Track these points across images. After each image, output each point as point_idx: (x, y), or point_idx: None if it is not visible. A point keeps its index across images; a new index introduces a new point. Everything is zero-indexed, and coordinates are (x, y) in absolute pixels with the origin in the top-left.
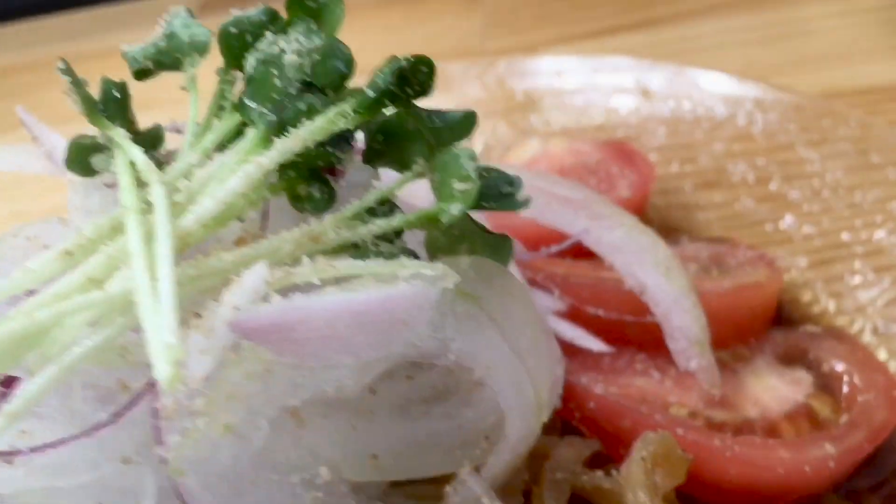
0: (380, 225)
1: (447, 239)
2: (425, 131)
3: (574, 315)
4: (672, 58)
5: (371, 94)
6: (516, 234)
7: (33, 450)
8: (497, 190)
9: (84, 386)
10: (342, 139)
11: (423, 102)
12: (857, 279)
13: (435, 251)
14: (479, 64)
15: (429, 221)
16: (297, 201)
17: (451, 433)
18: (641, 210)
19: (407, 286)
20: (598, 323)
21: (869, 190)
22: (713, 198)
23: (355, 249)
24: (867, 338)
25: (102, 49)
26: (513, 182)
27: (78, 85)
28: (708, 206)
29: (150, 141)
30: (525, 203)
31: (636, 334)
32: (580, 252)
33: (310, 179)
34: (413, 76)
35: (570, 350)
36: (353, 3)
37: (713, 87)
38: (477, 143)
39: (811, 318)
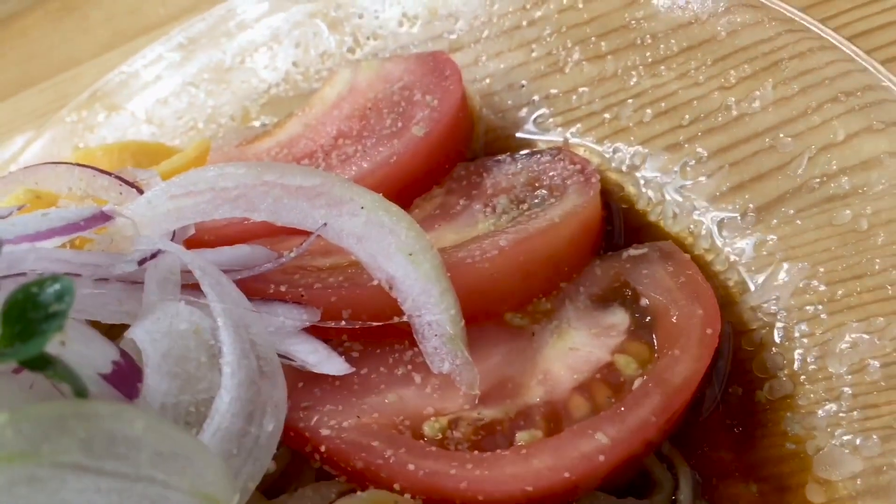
0: None
1: None
2: None
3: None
4: None
5: None
6: (262, 225)
7: None
8: (43, 311)
9: None
10: None
11: None
12: (694, 170)
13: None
14: None
15: None
16: None
17: None
18: (445, 140)
19: None
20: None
21: (703, 55)
22: (550, 90)
23: None
24: (705, 244)
25: None
26: (63, 294)
27: None
28: (544, 102)
29: None
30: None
31: (404, 328)
32: None
33: None
34: None
35: (312, 376)
36: None
37: None
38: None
39: (649, 227)
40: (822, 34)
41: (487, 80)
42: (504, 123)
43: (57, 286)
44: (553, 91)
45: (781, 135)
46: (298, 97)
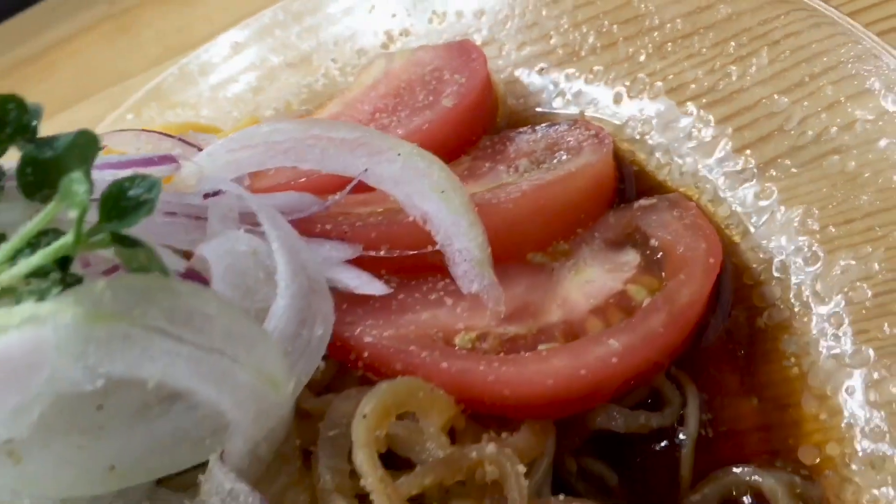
0: (23, 266)
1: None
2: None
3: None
4: None
5: None
6: (309, 185)
7: None
8: (134, 200)
9: None
10: None
11: None
12: (700, 134)
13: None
14: None
15: (63, 252)
16: None
17: (197, 425)
18: (472, 112)
19: (17, 334)
20: (395, 258)
21: (705, 34)
22: (566, 74)
23: (11, 293)
24: (709, 196)
25: None
26: (152, 187)
27: None
28: (562, 82)
29: None
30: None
31: (436, 262)
32: None
33: None
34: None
35: (355, 299)
36: None
37: None
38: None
39: (658, 186)
40: (819, 8)
41: (510, 69)
42: (525, 106)
43: (145, 182)
44: (570, 71)
45: (776, 96)
46: (337, 92)
